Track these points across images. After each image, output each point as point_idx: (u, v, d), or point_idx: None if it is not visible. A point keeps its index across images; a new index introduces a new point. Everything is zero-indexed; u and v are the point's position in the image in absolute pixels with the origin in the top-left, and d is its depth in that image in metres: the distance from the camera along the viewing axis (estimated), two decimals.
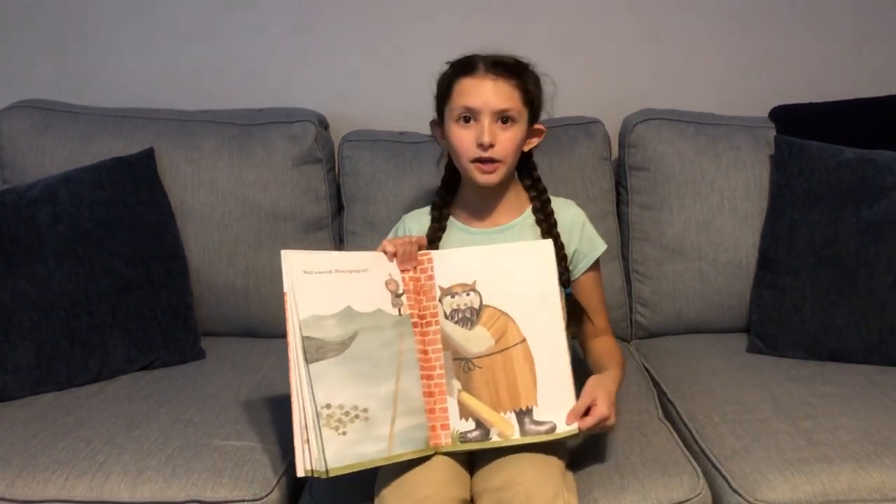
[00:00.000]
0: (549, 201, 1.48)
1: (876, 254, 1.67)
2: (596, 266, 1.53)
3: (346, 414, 1.22)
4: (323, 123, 1.94)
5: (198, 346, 1.77)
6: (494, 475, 1.25)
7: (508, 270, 1.33)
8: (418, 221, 1.52)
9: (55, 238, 1.64)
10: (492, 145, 1.37)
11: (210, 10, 2.03)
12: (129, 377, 1.67)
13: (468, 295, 1.32)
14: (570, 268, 1.50)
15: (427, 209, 1.53)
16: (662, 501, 1.29)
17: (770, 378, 1.64)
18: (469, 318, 1.31)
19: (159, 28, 2.05)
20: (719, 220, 1.83)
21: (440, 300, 1.32)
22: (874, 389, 1.58)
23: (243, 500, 1.30)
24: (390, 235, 1.54)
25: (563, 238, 1.47)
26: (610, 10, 2.04)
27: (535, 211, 1.48)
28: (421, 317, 1.32)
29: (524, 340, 1.30)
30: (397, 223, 1.56)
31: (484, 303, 1.32)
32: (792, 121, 1.88)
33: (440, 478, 1.24)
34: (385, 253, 1.34)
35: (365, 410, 1.23)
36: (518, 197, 1.50)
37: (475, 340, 1.30)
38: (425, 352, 1.30)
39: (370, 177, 1.88)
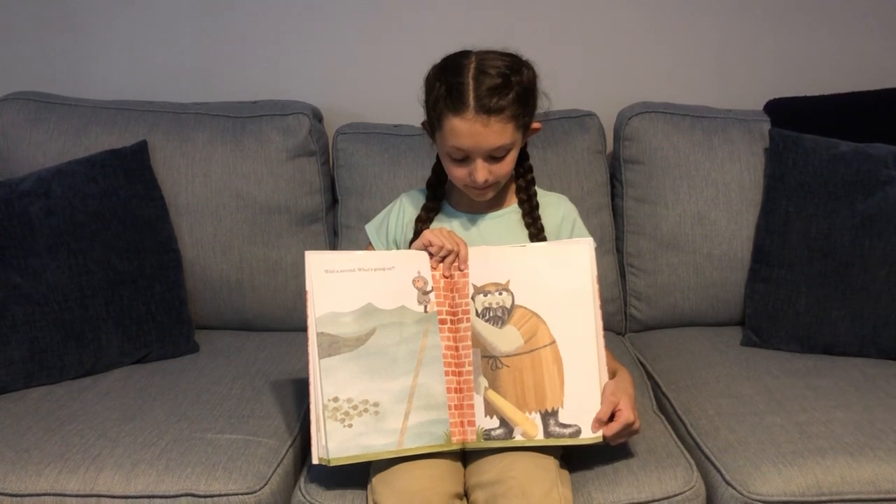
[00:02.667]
0: (535, 194, 1.47)
1: (870, 247, 1.67)
2: None
3: (354, 407, 1.24)
4: (317, 116, 1.94)
5: (192, 340, 1.77)
6: (488, 469, 1.25)
7: (544, 271, 1.33)
8: (415, 200, 1.52)
9: (48, 231, 1.64)
10: (486, 180, 1.37)
11: (204, 2, 2.02)
12: (123, 371, 1.67)
13: (500, 294, 1.32)
14: None
15: (424, 190, 1.53)
16: (656, 494, 1.29)
17: (764, 371, 1.64)
18: (500, 316, 1.31)
19: (153, 20, 2.04)
20: (714, 214, 1.83)
21: (472, 298, 1.32)
22: (868, 382, 1.58)
23: (237, 494, 1.29)
24: (385, 211, 1.54)
25: (552, 232, 1.47)
26: (605, 3, 2.03)
27: (520, 203, 1.48)
28: (452, 314, 1.32)
29: (554, 342, 1.30)
30: (394, 200, 1.55)
31: (516, 302, 1.32)
32: (787, 114, 1.88)
33: (433, 472, 1.24)
34: (426, 242, 1.33)
35: (376, 404, 1.25)
36: (509, 185, 1.49)
37: (504, 339, 1.31)
38: (456, 348, 1.30)
39: (365, 170, 1.88)
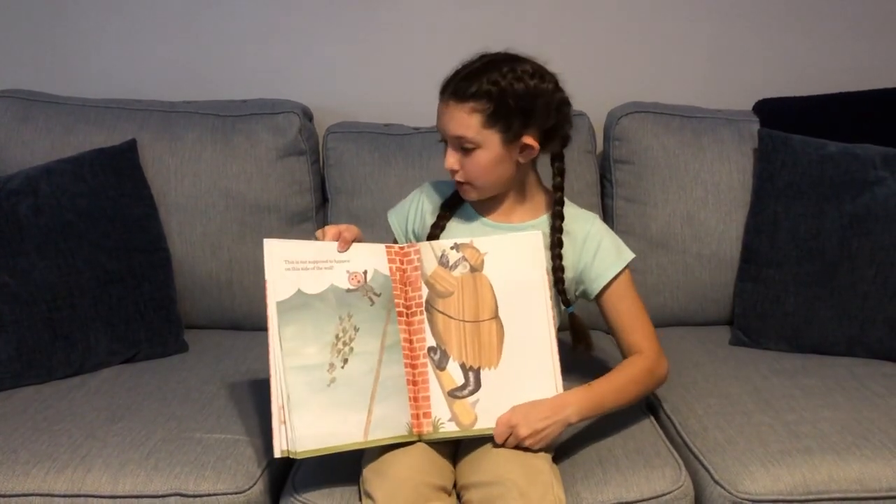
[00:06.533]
0: (561, 202, 1.41)
1: (858, 247, 1.68)
2: (618, 284, 1.42)
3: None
4: (307, 115, 1.93)
5: (181, 339, 1.76)
6: (481, 469, 1.25)
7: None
8: (433, 193, 1.49)
9: (37, 230, 1.63)
10: (454, 170, 1.36)
11: (194, 0, 2.02)
12: (112, 370, 1.66)
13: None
14: (583, 286, 1.43)
15: (448, 186, 1.48)
16: (645, 494, 1.30)
17: (753, 370, 1.65)
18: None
19: (142, 18, 2.03)
20: (703, 214, 1.84)
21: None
22: (855, 382, 1.59)
23: (226, 493, 1.29)
24: (407, 200, 1.52)
25: (572, 252, 1.41)
26: (595, 4, 2.04)
27: (551, 217, 1.41)
28: (406, 307, 1.33)
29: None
30: (415, 189, 1.52)
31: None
32: (776, 114, 1.89)
33: (420, 464, 1.24)
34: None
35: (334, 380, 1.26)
36: (536, 198, 1.44)
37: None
38: (410, 341, 1.31)
39: (355, 169, 1.87)
